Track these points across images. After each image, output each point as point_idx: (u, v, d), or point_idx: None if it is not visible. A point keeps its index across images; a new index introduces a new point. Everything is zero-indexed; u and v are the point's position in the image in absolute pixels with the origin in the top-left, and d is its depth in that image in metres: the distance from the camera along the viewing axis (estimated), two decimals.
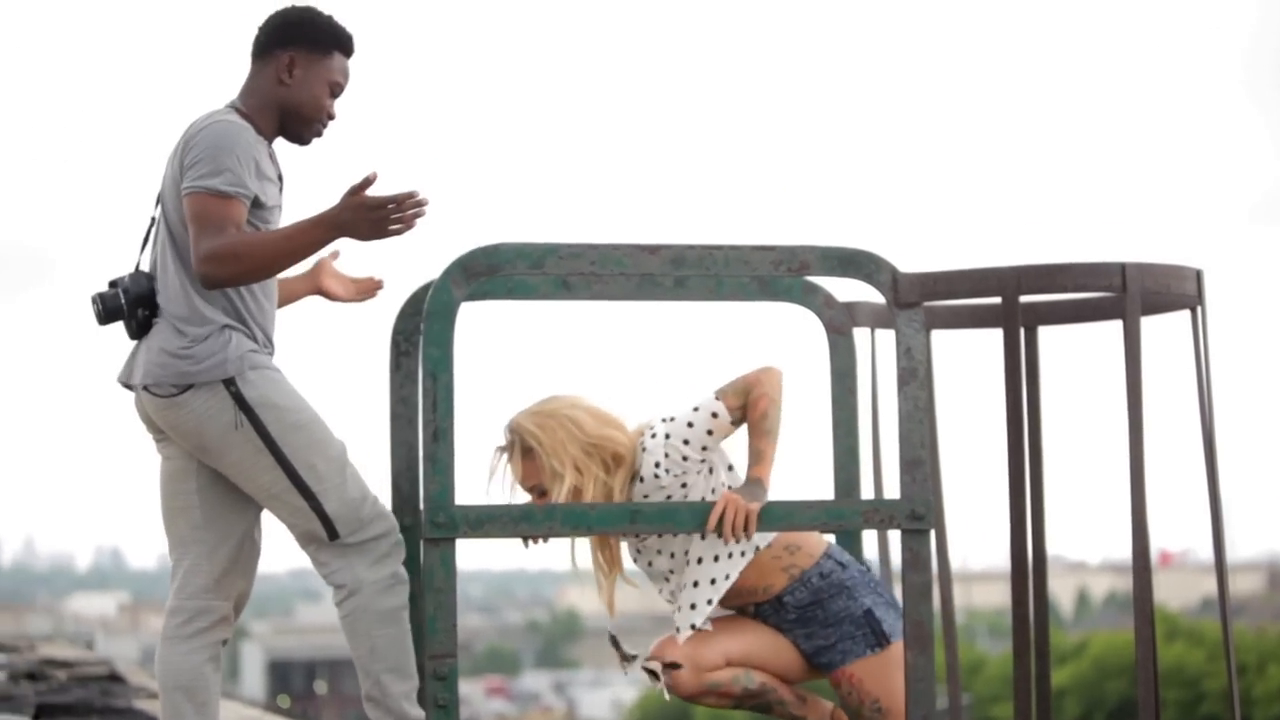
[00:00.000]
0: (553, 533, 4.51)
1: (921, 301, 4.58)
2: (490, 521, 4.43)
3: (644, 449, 4.77)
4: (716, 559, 4.81)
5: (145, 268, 4.77)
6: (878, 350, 5.59)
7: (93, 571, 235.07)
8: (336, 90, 4.82)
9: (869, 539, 5.26)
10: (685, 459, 4.74)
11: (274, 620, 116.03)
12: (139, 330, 4.71)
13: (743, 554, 4.81)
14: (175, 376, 4.62)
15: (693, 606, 4.83)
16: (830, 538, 5.06)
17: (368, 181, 4.54)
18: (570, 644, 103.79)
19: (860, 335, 5.32)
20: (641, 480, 4.78)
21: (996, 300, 5.04)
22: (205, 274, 4.54)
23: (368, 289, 5.15)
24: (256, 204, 4.66)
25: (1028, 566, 4.98)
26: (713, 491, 4.79)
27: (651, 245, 4.49)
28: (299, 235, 4.56)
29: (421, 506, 4.53)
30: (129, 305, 4.72)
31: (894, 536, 5.05)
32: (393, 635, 4.70)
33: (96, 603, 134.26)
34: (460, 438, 4.41)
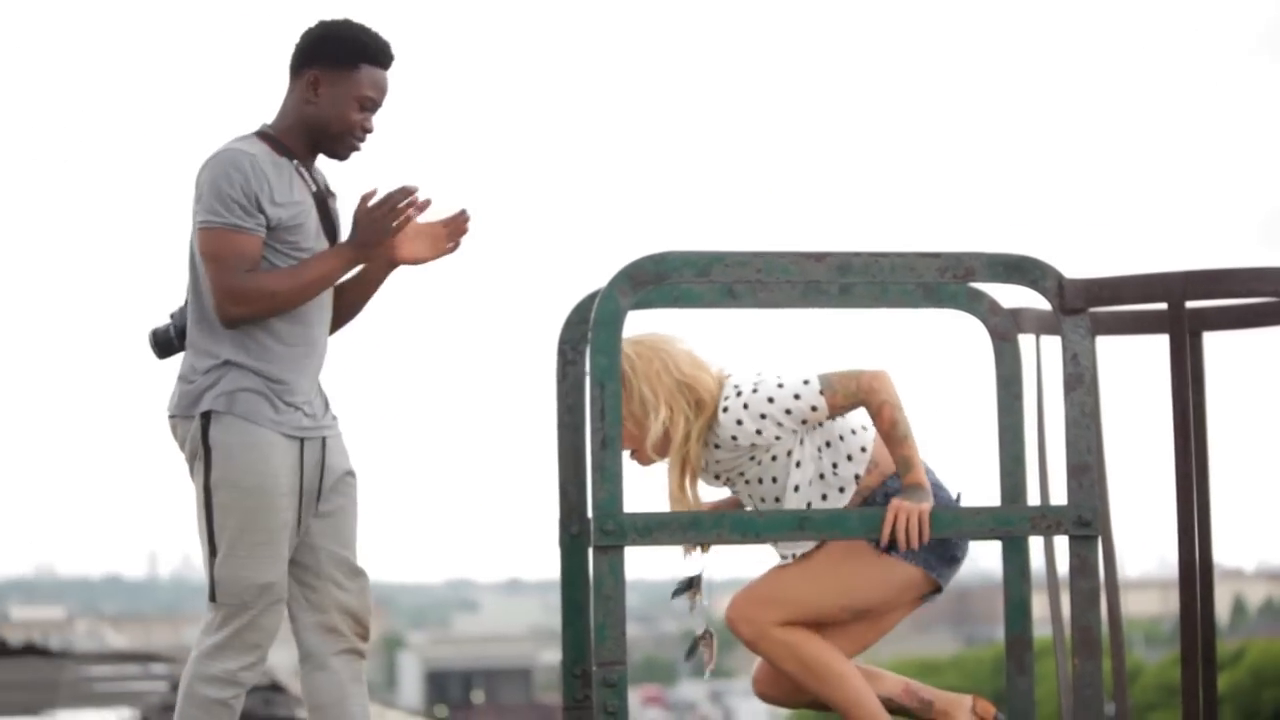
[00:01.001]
0: (720, 540, 4.53)
1: (1087, 307, 4.56)
2: (659, 529, 4.46)
3: (725, 408, 4.76)
4: (824, 497, 4.81)
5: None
6: (1043, 356, 5.57)
7: None
8: (367, 104, 4.73)
9: (1035, 545, 5.24)
10: (759, 433, 4.75)
11: (431, 630, 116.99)
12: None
13: (841, 490, 4.82)
14: (175, 400, 4.68)
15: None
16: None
17: (365, 198, 4.62)
18: (727, 653, 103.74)
19: (1025, 341, 5.30)
20: (717, 438, 4.79)
21: (1162, 306, 5.01)
22: (222, 313, 4.56)
23: (456, 227, 4.85)
24: (278, 228, 4.63)
25: (1195, 574, 4.94)
26: (790, 455, 4.81)
27: (817, 253, 4.50)
28: (314, 266, 4.61)
29: (589, 514, 4.57)
30: (177, 338, 4.79)
31: (1061, 543, 5.04)
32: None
33: None
34: None
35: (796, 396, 4.73)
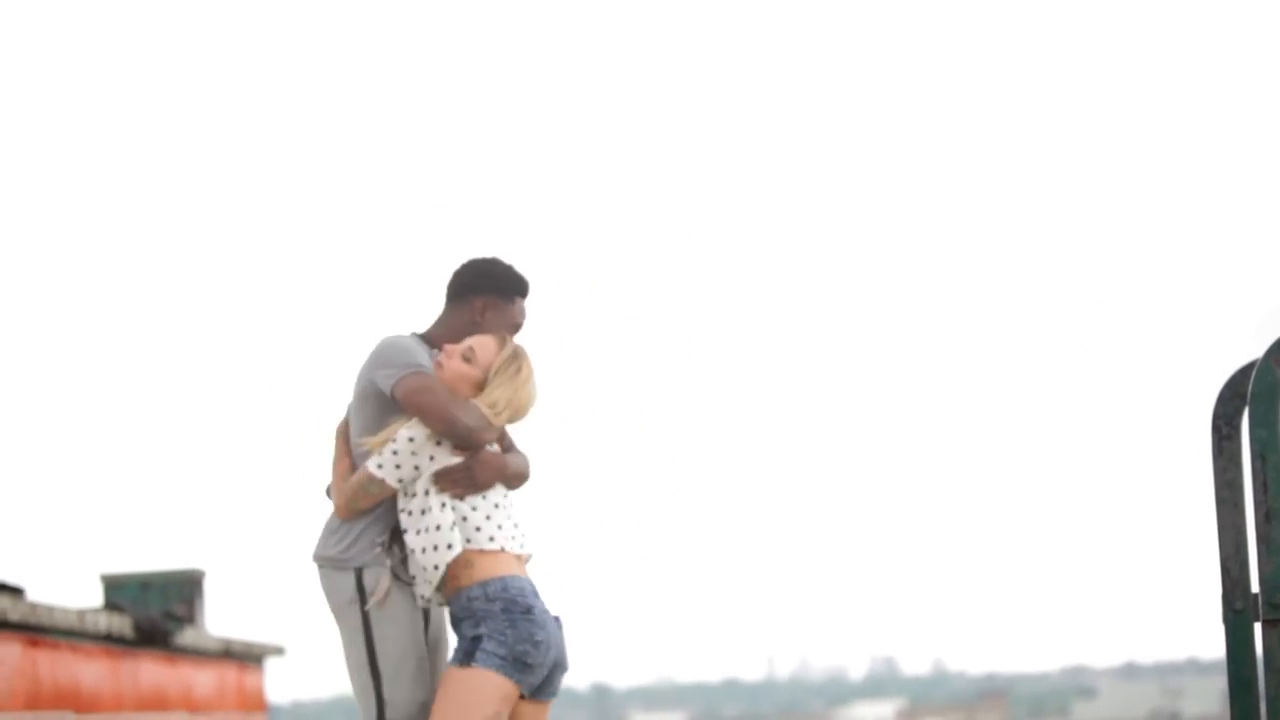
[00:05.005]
0: None
1: None
2: None
3: None
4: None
5: None
6: None
7: (868, 680, 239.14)
8: (516, 329, 5.93)
9: None
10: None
11: (1051, 719, 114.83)
12: None
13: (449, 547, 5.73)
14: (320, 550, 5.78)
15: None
16: (508, 569, 5.69)
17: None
18: None
19: None
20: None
21: None
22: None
23: None
24: None
25: None
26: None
27: None
28: (476, 435, 5.80)
29: (1255, 589, 4.54)
30: None
31: None
32: None
33: (874, 710, 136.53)
34: None
35: None
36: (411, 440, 5.76)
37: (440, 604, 5.81)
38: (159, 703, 19.37)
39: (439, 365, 5.90)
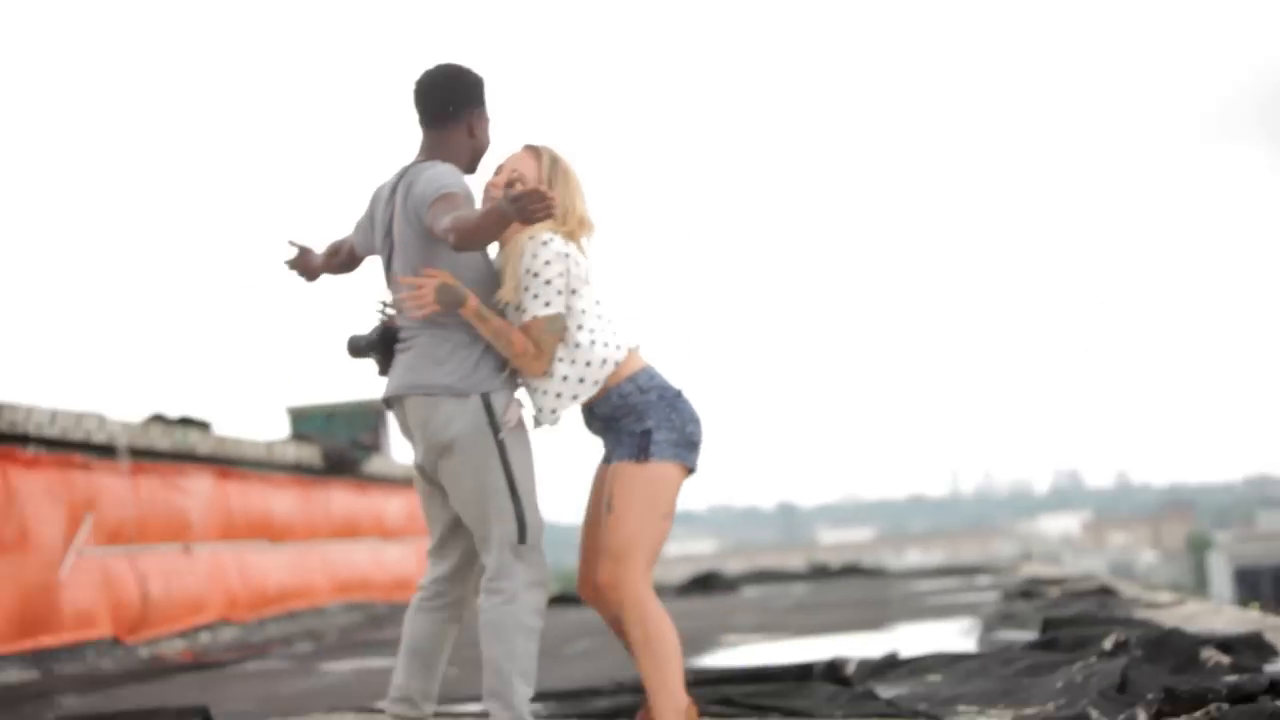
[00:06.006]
0: None
1: None
2: None
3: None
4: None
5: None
6: None
7: (1053, 493, 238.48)
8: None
9: None
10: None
11: (1236, 529, 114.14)
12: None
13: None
14: (432, 379, 5.71)
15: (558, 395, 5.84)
16: (642, 361, 5.85)
17: (511, 183, 5.60)
18: None
19: None
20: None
21: None
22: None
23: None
24: None
25: None
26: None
27: None
28: (492, 218, 5.44)
29: None
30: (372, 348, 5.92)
31: None
32: (531, 649, 5.65)
33: (1060, 523, 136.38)
34: None
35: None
36: (555, 259, 5.77)
37: (553, 423, 5.86)
38: (350, 529, 19.91)
39: (491, 200, 5.85)
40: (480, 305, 5.70)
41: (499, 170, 5.90)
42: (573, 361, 5.81)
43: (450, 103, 5.80)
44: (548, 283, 5.73)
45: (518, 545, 5.65)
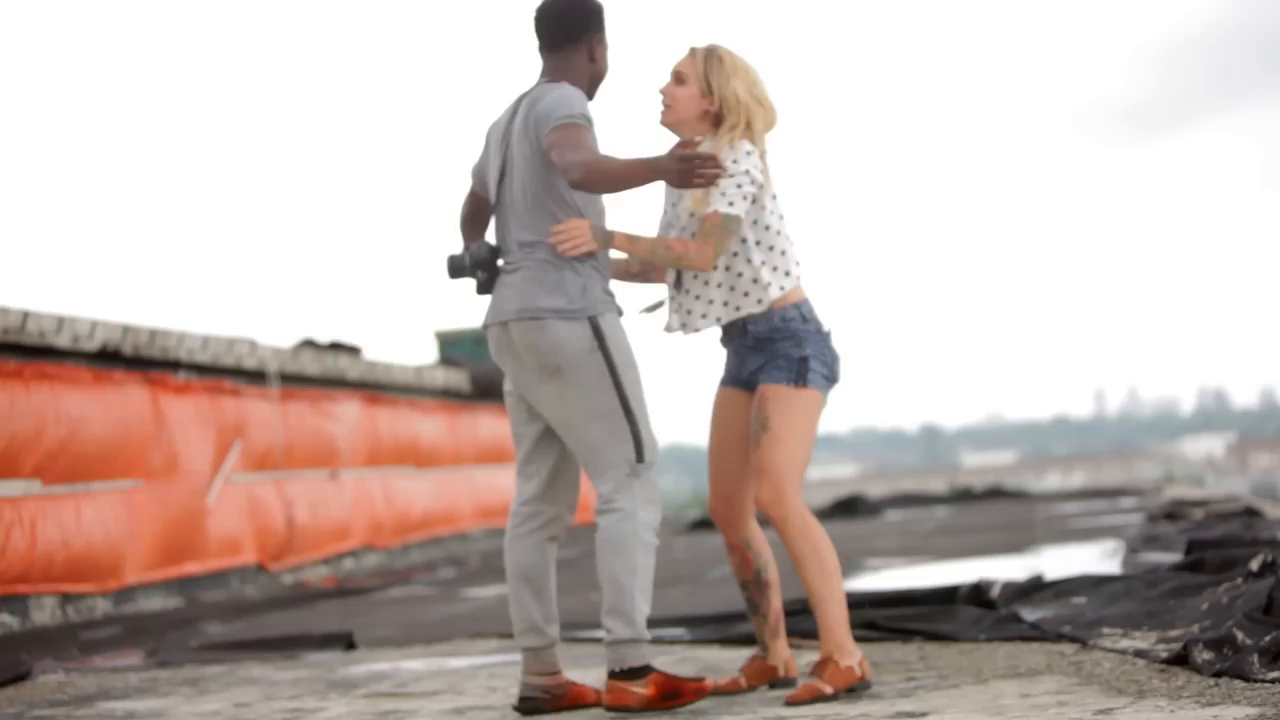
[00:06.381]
0: None
1: None
2: None
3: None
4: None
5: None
6: None
7: (1197, 414, 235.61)
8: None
9: None
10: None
11: None
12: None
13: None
14: (539, 303, 5.68)
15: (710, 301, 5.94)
16: (806, 294, 5.92)
17: (693, 143, 5.80)
18: None
19: None
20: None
21: None
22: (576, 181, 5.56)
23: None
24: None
25: None
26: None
27: None
28: (640, 169, 5.47)
29: None
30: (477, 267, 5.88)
31: None
32: (650, 565, 5.63)
33: (1203, 444, 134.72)
34: None
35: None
36: (746, 160, 5.81)
37: (693, 334, 5.95)
38: (498, 454, 20.05)
39: (670, 108, 5.93)
40: (625, 232, 5.74)
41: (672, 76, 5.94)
42: (733, 284, 5.89)
43: (572, 27, 5.81)
44: (738, 186, 5.77)
45: (635, 464, 5.68)
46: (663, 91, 5.95)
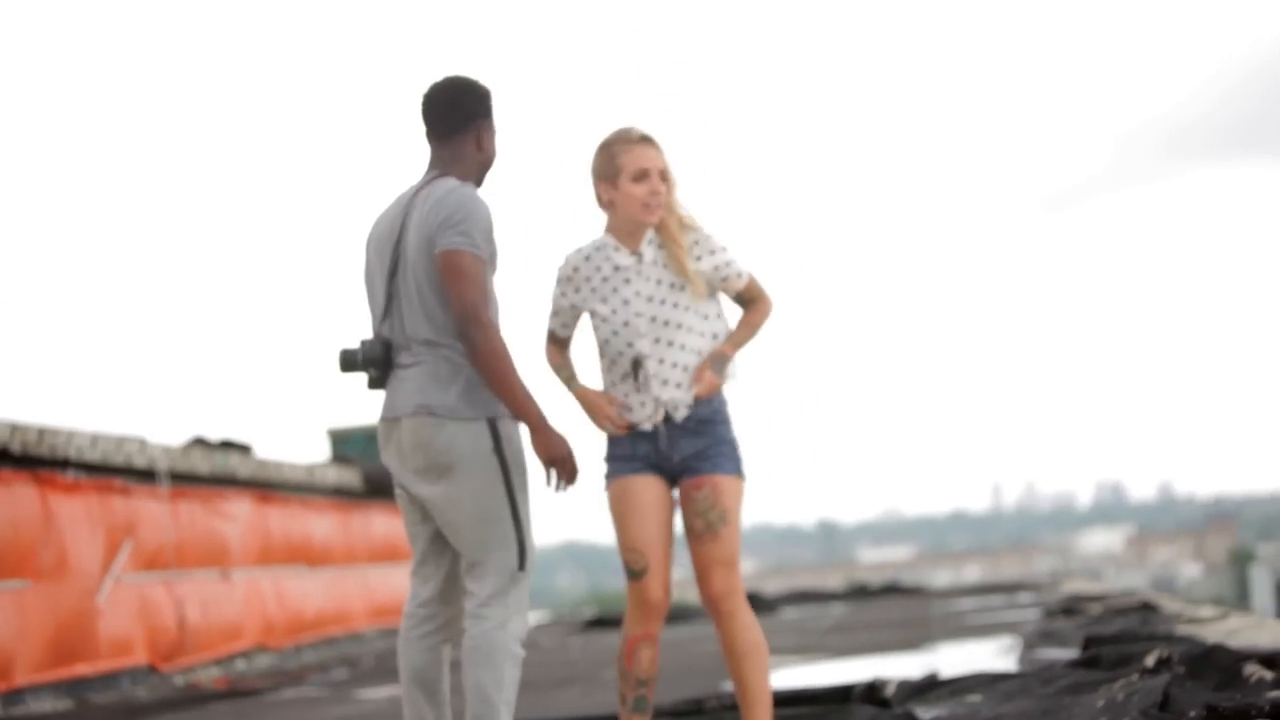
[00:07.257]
0: None
1: None
2: None
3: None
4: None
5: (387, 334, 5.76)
6: None
7: (1095, 507, 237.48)
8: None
9: None
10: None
11: (1279, 542, 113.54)
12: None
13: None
14: (438, 402, 5.60)
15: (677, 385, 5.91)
16: None
17: (572, 474, 5.61)
18: None
19: None
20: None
21: None
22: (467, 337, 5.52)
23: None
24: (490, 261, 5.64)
25: None
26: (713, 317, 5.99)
27: None
28: (530, 409, 5.55)
29: None
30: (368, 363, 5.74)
31: None
32: (516, 678, 5.59)
33: (1101, 538, 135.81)
34: None
35: (732, 266, 5.95)
36: (707, 231, 5.95)
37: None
38: (391, 553, 19.87)
39: (660, 208, 5.89)
40: (728, 344, 5.92)
41: (641, 174, 5.86)
42: (690, 365, 5.93)
43: (459, 115, 5.75)
44: (725, 249, 5.94)
45: (516, 572, 5.61)
46: (655, 191, 5.86)
